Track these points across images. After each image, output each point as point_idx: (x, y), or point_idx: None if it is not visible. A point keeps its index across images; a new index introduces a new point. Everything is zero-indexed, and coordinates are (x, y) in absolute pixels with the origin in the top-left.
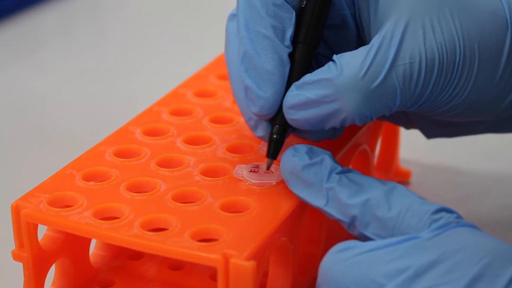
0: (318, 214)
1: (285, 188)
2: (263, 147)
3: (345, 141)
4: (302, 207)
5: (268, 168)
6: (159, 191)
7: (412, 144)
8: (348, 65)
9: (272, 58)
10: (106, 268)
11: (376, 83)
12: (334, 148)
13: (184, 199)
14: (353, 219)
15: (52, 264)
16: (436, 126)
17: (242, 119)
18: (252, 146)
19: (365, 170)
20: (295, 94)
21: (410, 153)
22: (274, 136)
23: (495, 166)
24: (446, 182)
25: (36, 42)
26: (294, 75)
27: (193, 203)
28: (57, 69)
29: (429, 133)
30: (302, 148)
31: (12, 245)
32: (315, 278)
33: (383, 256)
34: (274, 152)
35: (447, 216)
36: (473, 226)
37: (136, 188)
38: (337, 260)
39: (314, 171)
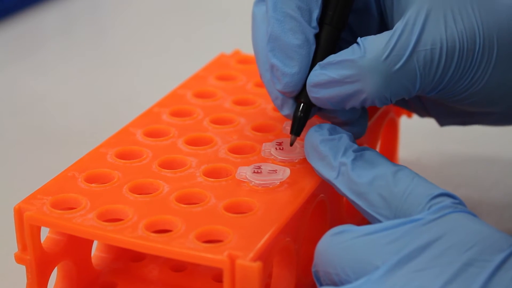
0: (321, 214)
1: (288, 189)
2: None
3: None
4: (306, 207)
5: (291, 144)
6: (162, 193)
7: (412, 144)
8: (371, 47)
9: (298, 37)
10: (108, 270)
11: (397, 66)
12: None
13: (187, 200)
14: (359, 197)
15: (54, 267)
16: (451, 115)
17: (243, 120)
18: (254, 147)
19: None
20: (318, 73)
21: (410, 153)
22: (299, 113)
23: (495, 166)
24: (446, 182)
25: (36, 42)
26: (319, 55)
27: (196, 204)
28: (57, 69)
29: (443, 121)
30: (326, 125)
31: (14, 247)
32: None
33: (379, 239)
34: (298, 129)
35: (446, 201)
36: (470, 213)
37: (139, 190)
38: (333, 243)
39: (330, 145)
